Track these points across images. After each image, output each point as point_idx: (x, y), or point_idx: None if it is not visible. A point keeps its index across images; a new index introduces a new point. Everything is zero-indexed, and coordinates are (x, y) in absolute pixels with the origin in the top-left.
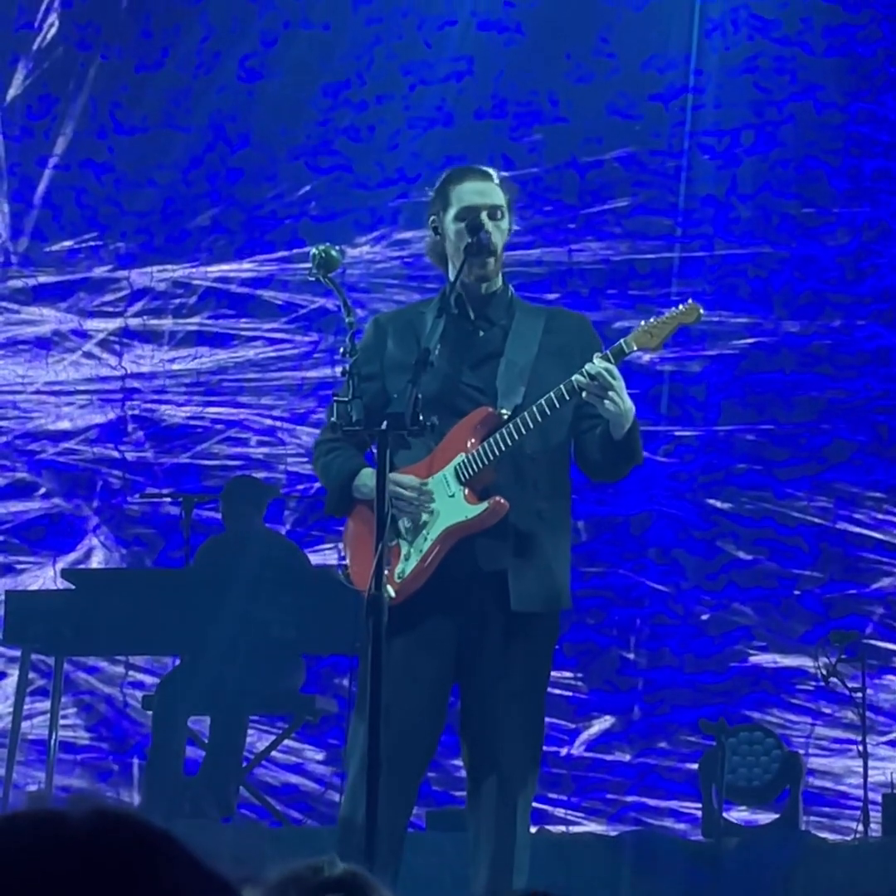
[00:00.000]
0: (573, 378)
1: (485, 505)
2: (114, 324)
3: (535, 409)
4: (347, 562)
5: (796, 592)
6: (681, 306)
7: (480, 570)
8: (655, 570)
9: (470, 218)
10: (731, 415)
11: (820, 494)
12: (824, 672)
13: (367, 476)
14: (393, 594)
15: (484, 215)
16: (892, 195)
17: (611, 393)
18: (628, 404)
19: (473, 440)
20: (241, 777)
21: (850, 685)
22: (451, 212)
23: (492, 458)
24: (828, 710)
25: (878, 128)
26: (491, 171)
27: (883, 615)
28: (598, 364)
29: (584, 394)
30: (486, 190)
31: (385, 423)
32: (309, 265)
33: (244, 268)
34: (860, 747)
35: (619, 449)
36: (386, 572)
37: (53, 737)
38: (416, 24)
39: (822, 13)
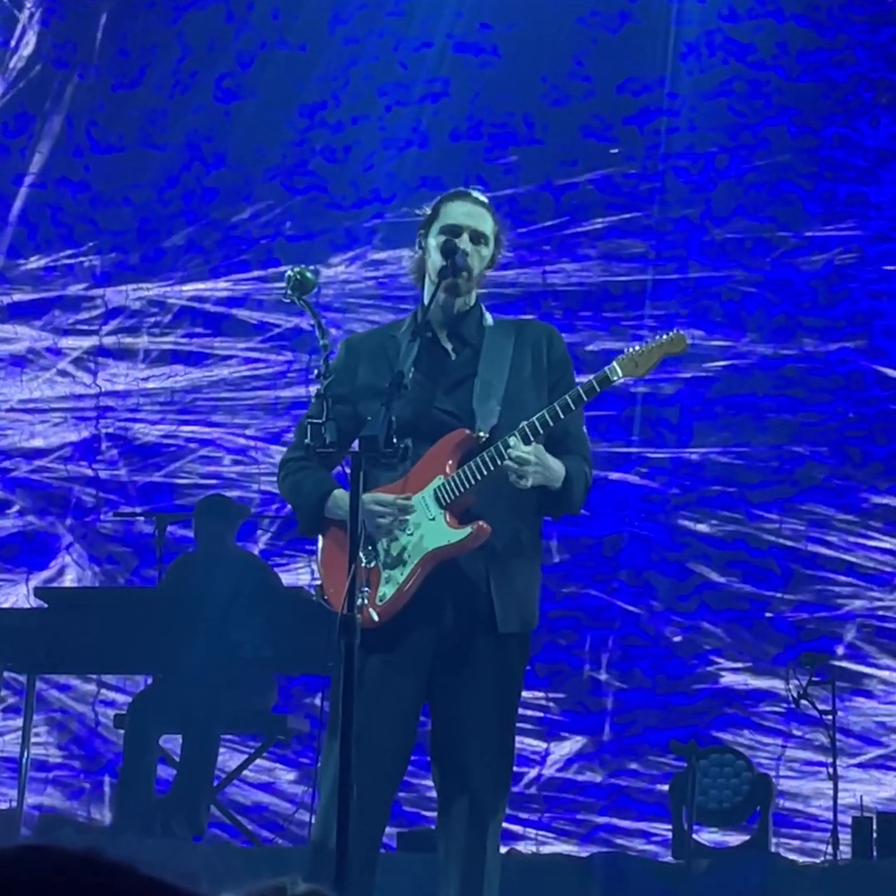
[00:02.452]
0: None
1: (468, 530)
2: (88, 342)
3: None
4: (322, 582)
5: (768, 614)
6: (666, 335)
7: (459, 592)
8: (627, 591)
9: (450, 237)
10: (703, 437)
11: (792, 517)
12: (795, 694)
13: (343, 497)
14: (376, 618)
15: (465, 235)
16: (865, 219)
17: (525, 480)
18: (553, 470)
19: (452, 462)
20: (213, 796)
21: (820, 707)
22: (436, 225)
23: (473, 482)
24: (798, 733)
25: (852, 152)
26: (486, 200)
27: (854, 638)
28: (516, 450)
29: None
30: (474, 213)
31: (358, 445)
32: (284, 285)
33: (219, 287)
34: (830, 770)
35: (559, 496)
36: (367, 595)
37: (25, 755)
38: (393, 45)
39: (797, 38)
